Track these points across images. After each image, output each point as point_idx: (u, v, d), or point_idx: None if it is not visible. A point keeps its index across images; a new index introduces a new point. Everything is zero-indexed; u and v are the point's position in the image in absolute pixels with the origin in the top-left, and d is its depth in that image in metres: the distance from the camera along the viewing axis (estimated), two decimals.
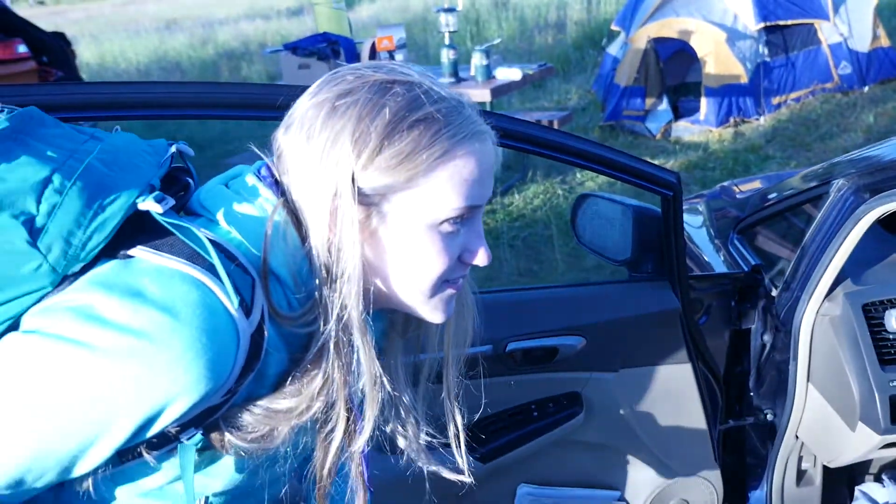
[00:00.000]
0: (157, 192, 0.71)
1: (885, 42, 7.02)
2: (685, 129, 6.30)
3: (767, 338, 1.58)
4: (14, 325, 0.67)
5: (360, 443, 0.81)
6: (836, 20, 6.70)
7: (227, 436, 0.72)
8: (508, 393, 1.45)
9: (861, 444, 1.38)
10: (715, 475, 1.59)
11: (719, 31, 6.27)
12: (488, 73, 4.71)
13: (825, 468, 1.71)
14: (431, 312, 0.81)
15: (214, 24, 14.93)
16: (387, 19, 12.36)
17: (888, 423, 1.32)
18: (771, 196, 1.69)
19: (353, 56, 4.92)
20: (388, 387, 0.79)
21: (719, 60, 6.25)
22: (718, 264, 1.74)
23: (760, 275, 1.60)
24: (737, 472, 1.74)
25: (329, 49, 4.73)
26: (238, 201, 0.75)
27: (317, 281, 0.73)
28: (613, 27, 7.63)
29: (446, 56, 4.71)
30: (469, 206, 0.75)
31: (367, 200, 0.72)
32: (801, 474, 1.69)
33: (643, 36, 6.58)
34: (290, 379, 0.74)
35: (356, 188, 0.71)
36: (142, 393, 0.64)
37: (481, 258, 0.80)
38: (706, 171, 5.40)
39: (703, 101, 6.29)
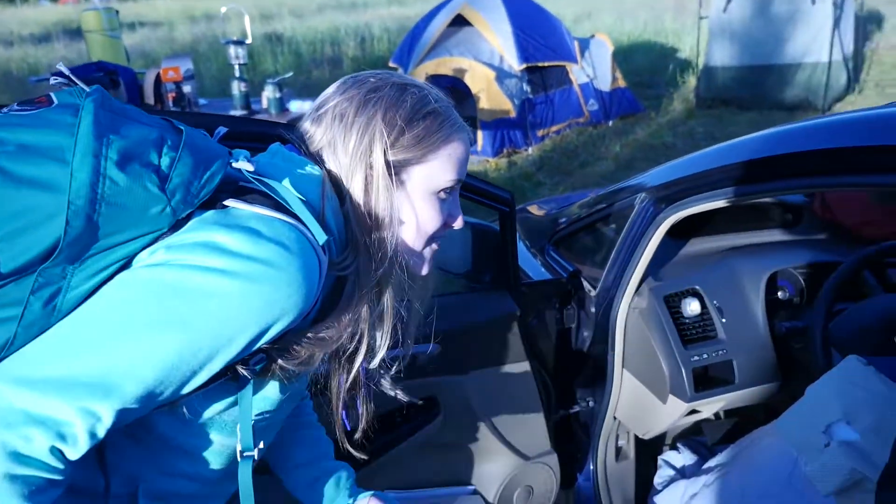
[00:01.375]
0: (245, 153, 0.87)
1: (622, 83, 8.11)
2: None
3: (587, 333, 1.81)
4: (125, 265, 0.76)
5: (376, 361, 0.98)
6: (582, 63, 7.62)
7: (279, 360, 0.84)
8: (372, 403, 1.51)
9: (672, 413, 1.64)
10: (553, 460, 1.77)
11: (489, 70, 6.83)
12: (282, 106, 4.72)
13: (636, 444, 1.97)
14: (419, 264, 0.98)
15: None
16: (153, 49, 11.74)
17: (693, 392, 1.59)
18: (580, 211, 1.94)
19: (135, 87, 4.65)
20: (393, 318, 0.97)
21: (490, 96, 6.80)
22: (539, 273, 1.95)
23: (578, 279, 1.82)
24: (568, 457, 1.94)
25: (107, 79, 4.44)
26: (293, 169, 0.88)
27: (356, 232, 0.89)
28: (391, 64, 7.96)
29: (237, 88, 4.64)
30: (457, 179, 0.95)
31: (391, 171, 0.89)
32: (618, 451, 1.94)
33: (421, 73, 6.96)
34: (333, 312, 0.87)
35: (386, 161, 0.88)
36: (263, 311, 0.76)
37: (459, 222, 0.99)
38: None
39: (479, 134, 6.79)
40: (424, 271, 1.00)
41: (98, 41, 5.53)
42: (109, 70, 4.58)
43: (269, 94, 4.63)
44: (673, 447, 2.12)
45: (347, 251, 0.90)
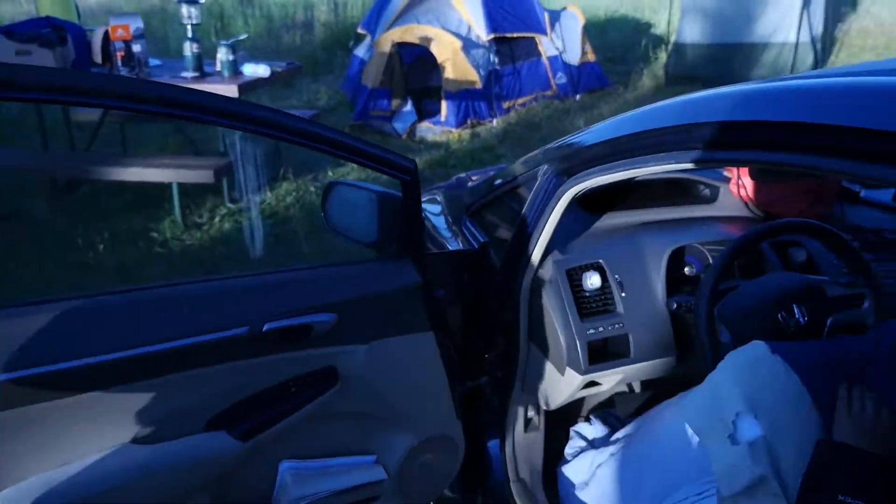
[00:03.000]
0: None
1: (591, 57, 8.07)
2: (428, 130, 6.71)
3: (495, 305, 1.81)
4: None
5: None
6: (552, 36, 7.57)
7: None
8: (268, 373, 1.50)
9: (569, 384, 1.65)
10: (457, 430, 1.78)
11: (456, 39, 6.76)
12: (235, 69, 4.63)
13: (546, 415, 1.99)
14: None
15: None
16: (119, 7, 11.47)
17: (587, 365, 1.60)
18: (496, 182, 1.93)
19: (83, 44, 4.54)
20: None
21: (456, 66, 6.74)
22: (456, 246, 1.95)
23: (488, 250, 1.82)
24: (476, 427, 1.96)
25: (55, 35, 4.32)
26: None
27: None
28: (359, 30, 7.86)
29: (189, 49, 4.54)
30: None
31: None
32: (527, 422, 1.96)
33: (388, 40, 6.88)
34: None
35: None
36: None
37: None
38: (448, 168, 5.80)
39: (444, 104, 6.74)
40: None
41: None
42: (57, 26, 4.46)
43: (222, 56, 4.54)
44: (586, 419, 2.15)
45: None
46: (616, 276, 1.68)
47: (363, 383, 1.63)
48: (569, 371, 1.63)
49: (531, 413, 1.96)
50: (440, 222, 2.15)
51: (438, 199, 2.36)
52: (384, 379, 1.65)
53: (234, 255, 4.09)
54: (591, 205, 1.89)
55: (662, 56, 9.34)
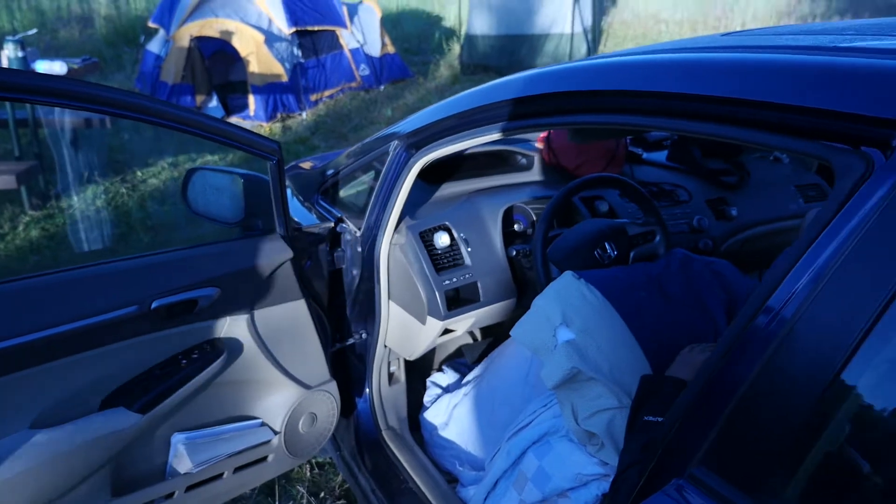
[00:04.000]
0: None
1: (391, 49, 8.38)
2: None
3: (356, 272, 2.00)
4: None
5: None
6: (352, 28, 7.76)
7: None
8: (159, 349, 1.59)
9: (430, 332, 1.89)
10: (333, 387, 1.96)
11: (258, 33, 6.72)
12: (26, 66, 4.33)
13: (407, 369, 2.22)
14: None
15: None
16: None
17: (446, 311, 1.85)
18: (345, 163, 2.11)
19: None
20: None
21: (261, 60, 6.72)
22: (311, 222, 2.11)
23: (344, 223, 2.01)
24: (346, 384, 2.14)
25: None
26: None
27: None
28: (151, 24, 7.51)
29: None
30: None
31: None
32: (390, 376, 2.18)
33: (185, 35, 6.69)
34: None
35: None
36: None
37: None
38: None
39: (251, 99, 6.70)
40: None
41: None
42: None
43: (9, 52, 4.21)
44: (439, 370, 2.42)
45: None
46: (461, 235, 1.94)
47: (246, 351, 1.75)
48: (430, 320, 1.86)
49: (393, 367, 2.18)
50: (293, 204, 2.29)
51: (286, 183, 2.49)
52: (264, 345, 1.78)
53: (50, 263, 3.87)
54: (432, 177, 2.14)
55: (455, 47, 9.90)
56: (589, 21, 9.01)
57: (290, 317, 1.84)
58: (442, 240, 1.91)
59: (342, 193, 2.11)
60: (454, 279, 1.88)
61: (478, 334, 2.49)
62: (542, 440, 1.60)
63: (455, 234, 1.94)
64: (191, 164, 5.58)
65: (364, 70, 7.86)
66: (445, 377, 2.33)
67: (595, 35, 9.62)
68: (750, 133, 0.96)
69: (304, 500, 2.26)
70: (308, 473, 2.40)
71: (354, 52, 7.76)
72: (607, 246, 1.80)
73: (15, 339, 1.34)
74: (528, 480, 1.56)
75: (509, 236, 2.04)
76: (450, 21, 11.88)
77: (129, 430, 1.51)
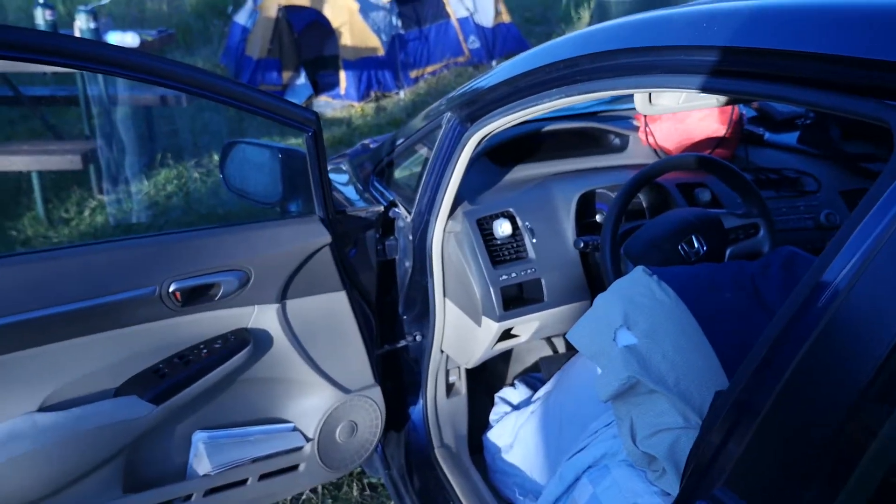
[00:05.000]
0: None
1: (506, 18, 8.40)
2: (327, 105, 6.88)
3: (409, 263, 2.06)
4: None
5: None
6: None
7: None
8: (178, 335, 1.71)
9: (486, 335, 1.91)
10: (377, 394, 2.02)
11: (352, 1, 6.94)
12: (97, 36, 4.72)
13: (469, 381, 2.25)
14: None
15: None
16: None
17: (502, 311, 1.87)
18: (399, 139, 2.18)
19: None
20: None
21: (354, 32, 6.92)
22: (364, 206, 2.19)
23: (397, 207, 2.07)
24: (397, 392, 2.20)
25: None
26: None
27: None
28: None
29: (42, 17, 4.60)
30: None
31: None
32: (449, 387, 2.22)
33: (273, 4, 6.99)
34: None
35: None
36: None
37: None
38: (352, 146, 5.99)
39: (342, 75, 6.93)
40: None
41: None
42: None
43: (81, 23, 4.61)
44: (511, 385, 2.43)
45: None
46: (526, 223, 1.95)
47: (276, 345, 1.84)
48: (485, 321, 1.89)
49: (453, 377, 2.22)
50: (350, 191, 2.37)
51: (344, 167, 2.58)
52: (297, 340, 1.87)
53: None
54: (504, 158, 2.16)
55: (585, 15, 9.82)
56: None
57: (328, 310, 1.91)
58: (503, 228, 1.93)
59: (397, 174, 2.18)
60: (513, 274, 1.90)
61: (559, 345, 2.49)
62: (599, 464, 1.59)
63: (519, 223, 1.96)
64: None
65: (473, 42, 7.92)
66: (517, 393, 2.34)
67: None
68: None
69: None
70: (357, 495, 2.49)
71: (463, 21, 7.83)
72: (695, 240, 1.77)
73: (25, 314, 1.49)
74: None
75: (589, 228, 2.04)
76: None
77: (140, 420, 1.64)
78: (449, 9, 7.69)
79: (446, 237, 1.95)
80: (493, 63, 8.00)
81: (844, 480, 0.78)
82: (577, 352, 2.48)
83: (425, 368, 2.13)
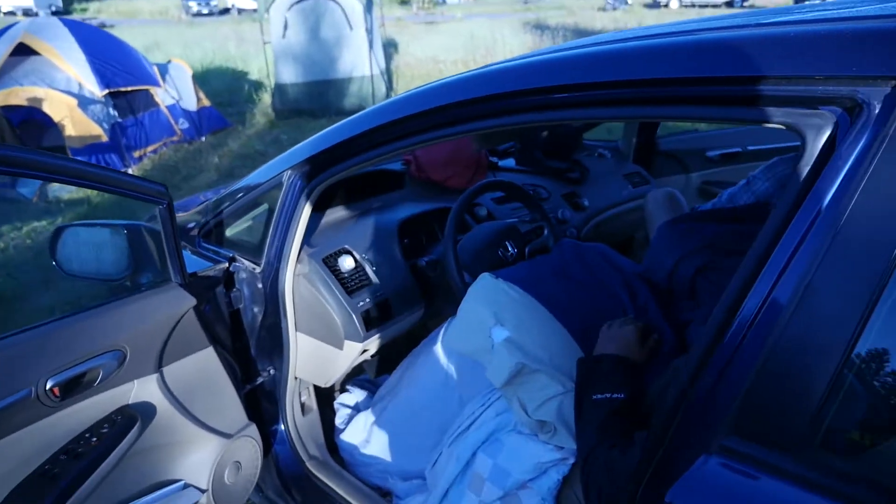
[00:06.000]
0: None
1: (206, 102, 7.76)
2: (61, 188, 5.73)
3: (257, 309, 1.70)
4: None
5: None
6: (165, 86, 7.07)
7: None
8: (61, 430, 1.20)
9: (348, 356, 1.65)
10: (253, 430, 1.65)
11: (69, 97, 5.90)
12: None
13: (317, 397, 1.94)
14: None
15: None
16: None
17: (365, 332, 1.62)
18: (225, 203, 1.80)
19: None
20: None
21: (77, 123, 5.89)
22: (198, 265, 1.77)
23: (237, 261, 1.70)
24: (260, 426, 1.82)
25: None
26: None
27: None
28: None
29: None
30: None
31: None
32: (303, 406, 1.89)
33: None
34: None
35: None
36: None
37: None
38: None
39: None
40: None
41: None
42: None
43: None
44: (343, 391, 2.15)
45: None
46: (363, 255, 1.72)
47: (159, 413, 1.41)
48: (347, 344, 1.62)
49: (304, 397, 1.90)
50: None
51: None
52: (178, 403, 1.45)
53: None
54: (319, 203, 1.89)
55: (265, 97, 9.42)
56: (383, 64, 8.99)
57: (201, 367, 1.51)
58: (347, 263, 1.68)
59: (229, 232, 1.79)
60: (367, 299, 1.66)
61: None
62: (491, 439, 1.42)
63: (357, 256, 1.72)
64: (16, 234, 4.70)
65: (183, 123, 7.18)
66: (353, 396, 2.07)
67: (389, 76, 9.65)
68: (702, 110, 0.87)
69: None
70: None
71: (171, 107, 7.07)
72: (508, 245, 1.68)
73: None
74: (486, 480, 1.38)
75: (407, 249, 1.86)
76: (254, 74, 11.32)
77: None
78: (157, 98, 6.89)
79: (297, 279, 1.64)
80: (203, 139, 7.32)
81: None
82: (389, 350, 2.29)
83: (282, 396, 1.79)
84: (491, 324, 1.36)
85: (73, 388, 1.21)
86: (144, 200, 1.32)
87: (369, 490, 1.74)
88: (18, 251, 4.39)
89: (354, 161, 1.43)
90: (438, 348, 1.68)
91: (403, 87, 10.35)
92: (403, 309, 1.73)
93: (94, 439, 1.25)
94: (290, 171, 1.57)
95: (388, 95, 9.15)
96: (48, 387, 1.15)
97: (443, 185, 2.16)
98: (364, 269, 1.71)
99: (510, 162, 2.50)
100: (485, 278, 1.44)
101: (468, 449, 1.43)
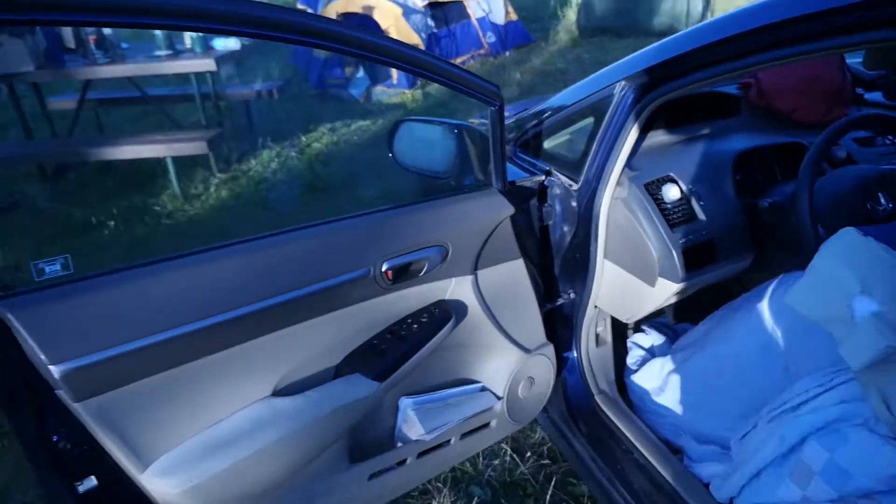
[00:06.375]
0: None
1: (514, 16, 7.81)
2: (383, 93, 6.36)
3: (567, 228, 1.63)
4: None
5: None
6: None
7: None
8: (388, 311, 1.30)
9: (660, 295, 1.50)
10: (550, 350, 1.62)
11: (396, 6, 6.39)
12: (206, 44, 4.18)
13: (613, 331, 1.84)
14: None
15: None
16: None
17: (685, 273, 1.45)
18: (547, 112, 1.73)
19: (53, 31, 3.98)
20: None
21: (399, 31, 6.38)
22: (514, 174, 1.75)
23: (553, 176, 1.64)
24: (556, 347, 1.80)
25: None
26: None
27: None
28: (300, 5, 7.31)
29: None
30: None
31: None
32: (597, 337, 1.81)
33: (332, 12, 6.43)
34: None
35: None
36: None
37: None
38: None
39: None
40: None
41: None
42: None
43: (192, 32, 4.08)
44: (637, 330, 2.02)
45: None
46: (690, 187, 1.52)
47: (470, 314, 1.44)
48: (661, 282, 1.48)
49: (599, 328, 1.81)
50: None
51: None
52: (487, 308, 1.47)
53: (241, 220, 3.74)
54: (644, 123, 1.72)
55: (570, 13, 9.15)
56: None
57: (511, 277, 1.50)
58: (671, 192, 1.50)
59: (547, 145, 1.73)
60: (690, 236, 1.47)
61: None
62: (829, 428, 1.18)
63: (683, 186, 1.53)
64: (346, 131, 5.35)
65: (490, 37, 7.36)
66: (648, 338, 1.93)
67: None
68: None
69: (508, 457, 1.96)
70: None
71: (481, 20, 7.26)
72: (881, 196, 1.34)
73: (255, 304, 1.07)
74: (815, 475, 1.16)
75: (739, 186, 1.60)
76: None
77: (368, 398, 1.24)
78: (469, 11, 7.12)
79: (613, 202, 1.52)
80: (507, 53, 7.43)
81: None
82: (698, 297, 2.08)
83: (579, 322, 1.72)
84: (855, 290, 1.10)
85: (402, 275, 1.27)
86: (477, 98, 1.30)
87: (658, 441, 1.62)
88: (348, 146, 5.00)
89: (699, 76, 1.23)
90: (765, 305, 1.44)
91: (722, 7, 9.19)
92: (730, 254, 1.51)
93: (416, 326, 1.32)
94: (623, 83, 1.42)
95: (703, 17, 8.22)
96: (383, 269, 1.23)
97: (787, 117, 1.80)
98: (689, 202, 1.52)
99: (876, 96, 1.99)
100: (849, 233, 1.16)
101: (796, 432, 1.22)
